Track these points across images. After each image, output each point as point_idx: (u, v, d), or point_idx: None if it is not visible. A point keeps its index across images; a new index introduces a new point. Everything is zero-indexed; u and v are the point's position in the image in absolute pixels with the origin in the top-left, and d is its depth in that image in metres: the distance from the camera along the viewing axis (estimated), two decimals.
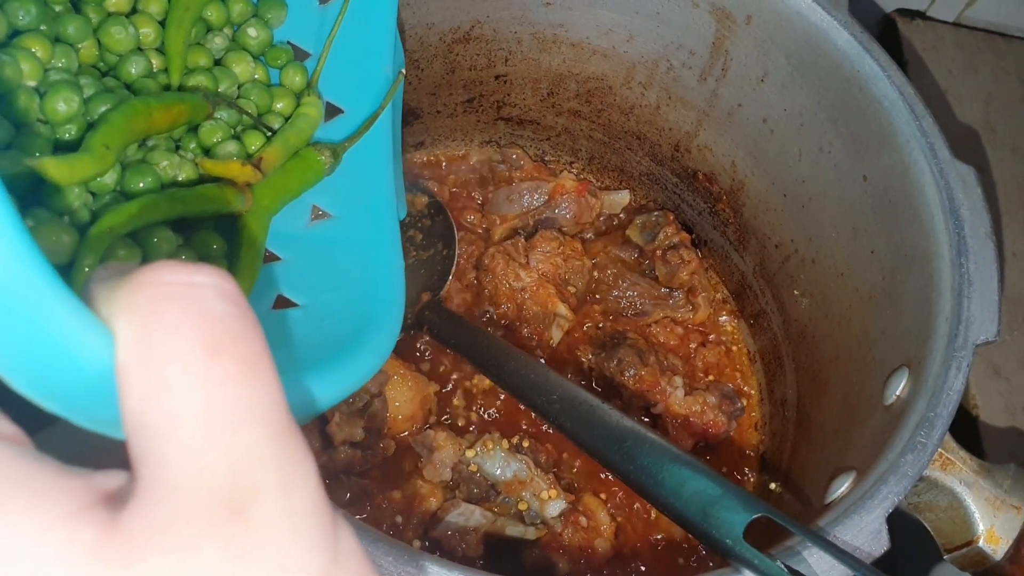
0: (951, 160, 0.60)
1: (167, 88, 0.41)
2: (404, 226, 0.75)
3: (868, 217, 0.65)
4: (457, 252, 0.77)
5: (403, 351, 0.74)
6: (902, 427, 0.53)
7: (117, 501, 0.20)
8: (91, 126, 0.36)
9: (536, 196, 0.84)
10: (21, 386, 0.20)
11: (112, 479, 0.20)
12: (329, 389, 0.35)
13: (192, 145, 0.41)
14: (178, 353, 0.20)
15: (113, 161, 0.35)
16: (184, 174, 0.39)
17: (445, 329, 0.71)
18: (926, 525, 0.57)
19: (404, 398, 0.70)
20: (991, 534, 0.55)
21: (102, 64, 0.41)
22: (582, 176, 0.90)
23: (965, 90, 0.99)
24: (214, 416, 0.20)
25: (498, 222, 0.83)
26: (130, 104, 0.37)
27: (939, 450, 0.52)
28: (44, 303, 0.20)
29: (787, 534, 0.48)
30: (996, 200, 0.91)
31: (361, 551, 0.22)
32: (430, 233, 0.77)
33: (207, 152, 0.42)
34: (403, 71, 0.50)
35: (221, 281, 0.21)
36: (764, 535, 0.50)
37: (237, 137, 0.43)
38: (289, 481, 0.21)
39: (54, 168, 0.33)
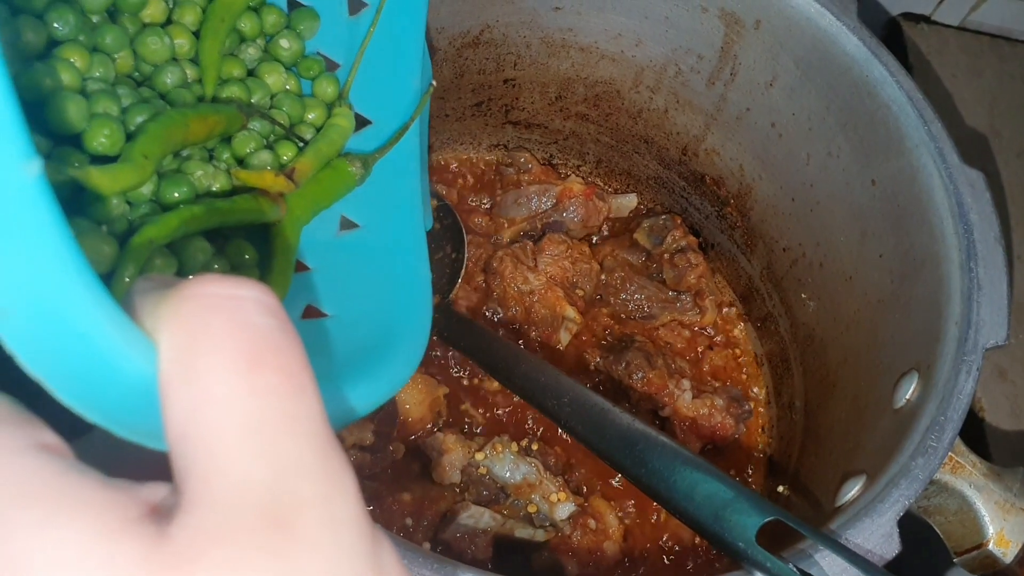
0: (960, 165, 0.61)
1: (201, 98, 0.42)
2: None
3: (877, 221, 0.66)
4: (466, 255, 0.77)
5: None
6: (912, 431, 0.53)
7: (162, 514, 0.20)
8: (129, 136, 0.36)
9: (544, 199, 0.84)
10: (64, 396, 0.20)
11: (155, 491, 0.21)
12: (363, 399, 0.35)
13: (225, 155, 0.41)
14: (222, 366, 0.20)
15: (152, 171, 0.35)
16: (218, 184, 0.40)
17: (455, 332, 0.72)
18: (936, 528, 0.57)
19: (414, 401, 0.70)
20: (1001, 537, 0.55)
21: (137, 74, 0.41)
22: (590, 180, 0.90)
23: (970, 94, 0.99)
24: (257, 428, 0.20)
25: (506, 225, 0.84)
26: (167, 115, 0.37)
27: (949, 453, 0.53)
28: (90, 314, 0.20)
29: (799, 537, 0.49)
30: (1003, 204, 0.91)
31: (401, 563, 0.23)
32: (439, 236, 0.77)
33: (240, 162, 0.42)
34: (433, 83, 0.51)
35: (263, 295, 0.22)
36: (776, 538, 0.50)
37: (270, 147, 0.43)
38: (331, 492, 0.21)
39: (97, 178, 0.33)
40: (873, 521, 0.49)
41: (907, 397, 0.57)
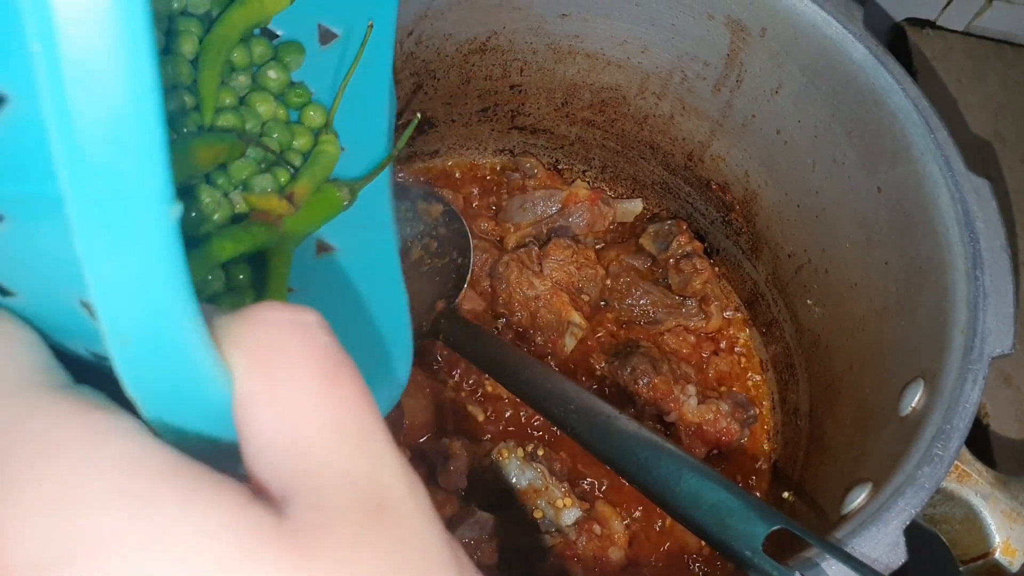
0: (966, 173, 0.61)
1: (200, 127, 0.42)
2: (419, 234, 0.76)
3: (882, 228, 0.66)
4: (472, 260, 0.77)
5: (418, 359, 0.74)
6: (918, 439, 0.53)
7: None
8: None
9: (549, 205, 0.85)
10: (152, 415, 0.22)
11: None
12: None
13: (220, 180, 0.42)
14: (306, 381, 0.23)
15: None
16: (221, 211, 0.40)
17: (460, 337, 0.72)
18: (942, 537, 0.57)
19: (419, 406, 0.71)
20: (1007, 546, 0.55)
21: None
22: (595, 185, 0.90)
23: (975, 99, 0.99)
24: (347, 431, 0.23)
25: (512, 230, 0.84)
26: (177, 144, 0.38)
27: (955, 462, 0.53)
28: (193, 344, 0.21)
29: (805, 545, 0.49)
30: (1008, 210, 0.91)
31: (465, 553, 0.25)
32: (445, 241, 0.77)
33: (238, 188, 0.43)
34: (418, 115, 0.52)
35: (320, 318, 0.24)
36: (781, 546, 0.50)
37: (267, 172, 0.44)
38: (414, 487, 0.23)
39: None
40: (879, 530, 0.49)
41: (913, 405, 0.57)
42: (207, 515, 0.20)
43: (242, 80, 0.46)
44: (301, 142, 0.47)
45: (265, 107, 0.46)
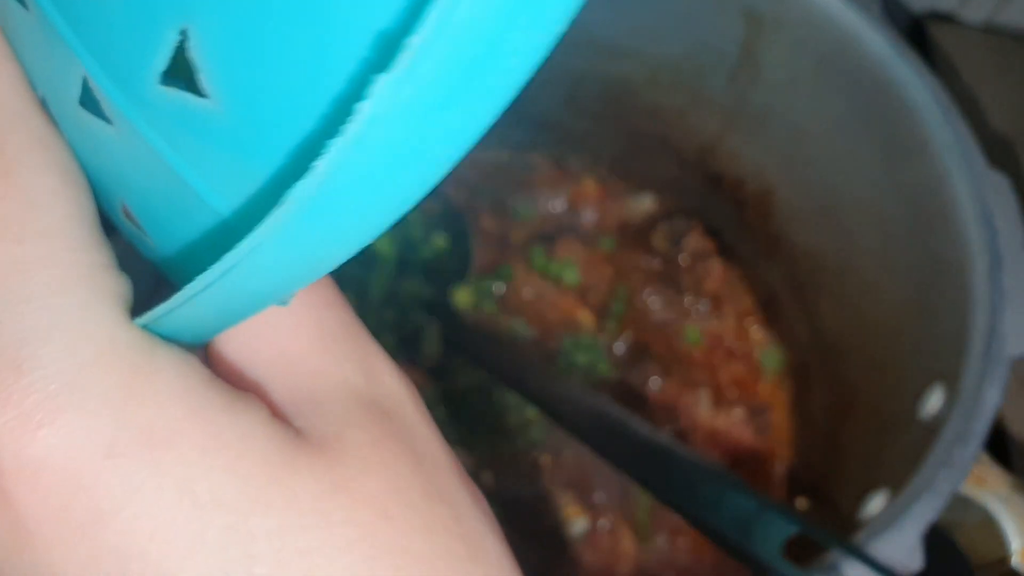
0: (985, 170, 0.59)
1: None
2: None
3: (899, 227, 0.64)
4: (473, 259, 0.76)
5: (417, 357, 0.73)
6: (936, 443, 0.52)
7: None
8: None
9: (556, 201, 0.83)
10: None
11: None
12: None
13: None
14: None
15: None
16: None
17: (461, 336, 0.71)
18: (958, 541, 0.56)
19: None
20: None
21: None
22: (604, 180, 0.89)
23: (995, 95, 0.98)
24: (331, 336, 0.21)
25: (517, 227, 0.83)
26: None
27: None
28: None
29: (823, 549, 0.48)
30: None
31: None
32: (447, 239, 0.77)
33: None
34: None
35: None
36: (801, 551, 0.49)
37: None
38: (410, 389, 0.22)
39: None
40: (896, 535, 0.48)
41: (930, 409, 0.56)
42: (251, 422, 0.19)
43: None
44: None
45: None
